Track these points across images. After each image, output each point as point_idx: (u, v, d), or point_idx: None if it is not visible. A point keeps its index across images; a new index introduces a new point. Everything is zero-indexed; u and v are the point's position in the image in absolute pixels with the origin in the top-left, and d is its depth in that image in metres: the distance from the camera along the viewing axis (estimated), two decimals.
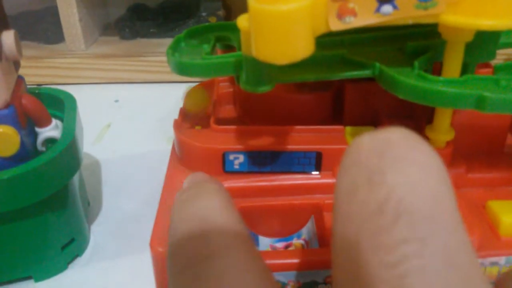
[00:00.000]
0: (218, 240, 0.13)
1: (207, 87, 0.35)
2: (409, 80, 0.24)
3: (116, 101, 0.48)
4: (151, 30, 0.57)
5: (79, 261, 0.31)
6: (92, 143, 0.42)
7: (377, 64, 0.26)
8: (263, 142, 0.29)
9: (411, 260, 0.09)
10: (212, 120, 0.30)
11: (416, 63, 0.25)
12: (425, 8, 0.23)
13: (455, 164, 0.28)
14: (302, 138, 0.29)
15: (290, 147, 0.28)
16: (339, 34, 0.29)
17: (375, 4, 0.23)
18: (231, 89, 0.35)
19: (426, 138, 0.28)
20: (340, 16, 0.22)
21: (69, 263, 0.31)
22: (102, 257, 0.31)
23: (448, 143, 0.28)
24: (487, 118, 0.29)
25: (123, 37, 0.57)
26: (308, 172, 0.29)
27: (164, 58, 0.30)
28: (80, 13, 0.52)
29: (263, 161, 0.28)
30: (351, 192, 0.11)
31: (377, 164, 0.11)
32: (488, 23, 0.22)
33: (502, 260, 0.24)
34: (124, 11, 0.59)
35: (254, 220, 0.29)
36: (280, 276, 0.25)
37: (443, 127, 0.27)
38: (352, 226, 0.10)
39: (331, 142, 0.29)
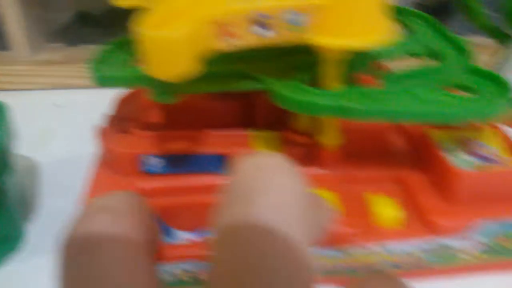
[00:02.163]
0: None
1: (137, 94, 0.39)
2: (287, 92, 0.28)
3: (58, 106, 0.51)
4: (97, 37, 0.60)
5: (13, 258, 0.34)
6: (32, 147, 0.45)
7: (267, 79, 0.29)
8: (178, 146, 0.32)
9: None
10: (133, 125, 0.34)
11: (298, 77, 0.29)
12: (296, 31, 0.27)
13: (344, 163, 0.32)
14: (212, 142, 0.33)
15: (201, 150, 0.32)
16: (238, 51, 0.33)
17: (253, 27, 0.26)
18: None
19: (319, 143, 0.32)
20: (223, 38, 0.26)
21: (2, 260, 0.34)
22: (36, 254, 0.34)
23: (336, 145, 0.32)
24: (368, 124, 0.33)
25: (69, 44, 0.59)
26: (218, 173, 0.32)
27: None
28: (24, 21, 0.54)
29: (178, 163, 0.32)
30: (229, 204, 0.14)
31: (250, 186, 0.14)
32: (353, 43, 0.26)
33: (377, 247, 0.29)
34: (70, 18, 0.62)
35: (171, 216, 0.32)
36: (191, 266, 0.28)
37: (331, 133, 0.31)
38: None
39: (236, 146, 0.32)
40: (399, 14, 0.42)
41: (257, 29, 0.27)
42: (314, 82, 0.30)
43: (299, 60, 0.31)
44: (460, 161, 0.30)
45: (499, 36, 0.43)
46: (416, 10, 0.42)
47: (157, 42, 0.24)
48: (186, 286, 0.30)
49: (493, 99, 0.29)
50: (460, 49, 0.35)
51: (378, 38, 0.27)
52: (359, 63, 0.32)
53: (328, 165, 0.32)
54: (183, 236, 0.32)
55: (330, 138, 0.32)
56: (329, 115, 0.28)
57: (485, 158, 0.30)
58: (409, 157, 0.33)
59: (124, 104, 0.38)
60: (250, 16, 0.26)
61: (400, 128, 0.35)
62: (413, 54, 0.37)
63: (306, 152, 0.33)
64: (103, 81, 0.32)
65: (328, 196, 0.29)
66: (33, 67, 0.55)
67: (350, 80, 0.32)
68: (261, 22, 0.26)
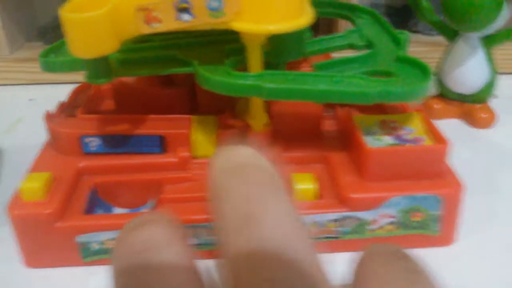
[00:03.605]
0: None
1: (88, 85, 0.41)
2: (209, 74, 0.30)
3: (31, 100, 0.54)
4: None
5: None
6: (2, 135, 0.47)
7: (195, 63, 0.31)
8: (118, 127, 0.34)
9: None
10: (79, 110, 0.36)
11: (226, 62, 0.31)
12: (216, 17, 0.29)
13: (273, 144, 0.34)
14: (149, 125, 0.35)
15: (139, 131, 0.34)
16: (177, 38, 0.36)
17: (176, 13, 0.29)
18: (109, 86, 0.41)
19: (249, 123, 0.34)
20: (147, 22, 0.28)
21: None
22: None
23: (265, 127, 0.34)
24: (302, 106, 0.35)
25: (47, 43, 0.62)
26: (155, 153, 0.34)
27: None
28: (3, 21, 0.57)
29: (116, 143, 0.34)
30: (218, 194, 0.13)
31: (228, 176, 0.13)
32: (268, 27, 0.28)
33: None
34: (49, 19, 0.65)
35: (110, 194, 0.34)
36: (113, 234, 0.30)
37: (257, 114, 0.33)
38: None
39: (174, 128, 0.34)
40: (348, 9, 0.44)
41: (179, 14, 0.29)
42: (244, 68, 0.32)
43: (229, 47, 0.33)
44: (376, 141, 0.32)
45: (447, 32, 0.44)
46: (364, 7, 0.44)
47: (76, 23, 0.26)
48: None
49: (410, 82, 0.30)
50: (396, 41, 0.37)
51: (295, 23, 0.29)
52: (293, 52, 0.34)
53: (257, 147, 0.34)
54: (120, 212, 0.34)
55: (258, 121, 0.34)
56: (246, 95, 0.30)
57: (401, 139, 0.32)
58: (336, 140, 0.35)
59: (76, 93, 0.40)
60: (173, 2, 0.28)
61: (331, 114, 0.37)
62: (353, 46, 0.39)
63: (238, 134, 0.35)
64: (47, 67, 0.34)
65: None
66: (12, 64, 0.58)
67: (283, 67, 0.34)
68: (184, 7, 0.29)
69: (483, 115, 0.44)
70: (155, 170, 0.34)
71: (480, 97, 0.44)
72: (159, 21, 0.28)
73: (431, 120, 0.33)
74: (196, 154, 0.34)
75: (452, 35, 0.44)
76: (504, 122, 0.45)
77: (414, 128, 0.33)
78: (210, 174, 0.14)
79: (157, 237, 0.13)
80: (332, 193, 0.31)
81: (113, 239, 0.31)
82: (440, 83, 0.45)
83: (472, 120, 0.45)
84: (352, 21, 0.43)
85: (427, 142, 0.32)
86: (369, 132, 0.33)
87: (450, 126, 0.45)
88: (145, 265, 0.12)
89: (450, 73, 0.44)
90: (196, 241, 0.31)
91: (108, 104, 0.41)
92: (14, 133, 0.48)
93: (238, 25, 0.28)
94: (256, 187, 0.13)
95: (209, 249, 0.31)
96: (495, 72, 0.43)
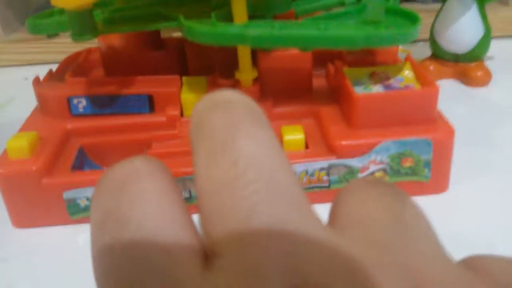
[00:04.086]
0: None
1: (77, 55, 0.41)
2: (195, 26, 0.29)
3: (26, 79, 0.54)
4: None
5: None
6: None
7: (181, 17, 0.31)
8: (103, 89, 0.34)
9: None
10: (67, 74, 0.36)
11: (212, 14, 0.31)
12: None
13: (263, 100, 0.34)
14: (137, 85, 0.34)
15: (126, 91, 0.34)
16: None
17: None
18: (98, 54, 0.41)
19: (238, 81, 0.34)
20: None
21: None
22: None
23: (254, 82, 0.34)
24: (290, 62, 0.34)
25: None
26: (143, 113, 0.34)
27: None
28: None
29: (104, 104, 0.34)
30: (210, 158, 0.12)
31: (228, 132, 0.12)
32: None
33: None
34: (44, 1, 0.65)
35: (99, 154, 0.34)
36: None
37: (245, 68, 0.33)
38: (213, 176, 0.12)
39: (162, 87, 0.34)
40: None
41: None
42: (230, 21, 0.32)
43: (215, 1, 0.33)
44: (365, 90, 0.31)
45: None
46: None
47: None
48: None
49: (396, 28, 0.30)
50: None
51: None
52: (279, 4, 0.34)
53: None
54: None
55: (246, 75, 0.33)
56: (231, 43, 0.30)
57: (390, 87, 0.31)
58: (326, 95, 0.35)
59: (66, 62, 0.40)
60: None
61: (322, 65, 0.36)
62: (343, 3, 0.38)
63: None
64: (34, 29, 0.34)
65: None
66: (6, 45, 0.58)
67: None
68: None
69: (478, 73, 0.43)
70: (143, 130, 0.34)
71: (475, 55, 0.43)
72: None
73: (420, 68, 0.32)
74: (186, 114, 0.34)
75: None
76: (499, 81, 0.44)
77: (404, 77, 0.33)
78: (192, 113, 0.13)
79: (141, 170, 0.12)
80: (321, 143, 0.31)
81: None
82: (434, 43, 0.44)
83: (467, 79, 0.44)
84: None
85: (417, 88, 0.31)
86: (358, 83, 0.32)
87: (446, 86, 0.44)
88: (123, 197, 0.12)
89: (444, 32, 0.43)
90: (185, 194, 0.31)
91: (98, 71, 0.40)
92: (9, 110, 0.48)
93: None
94: (237, 117, 0.12)
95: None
96: (488, 29, 0.43)
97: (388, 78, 0.32)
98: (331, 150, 0.30)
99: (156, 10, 0.33)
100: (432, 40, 0.44)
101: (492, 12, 0.52)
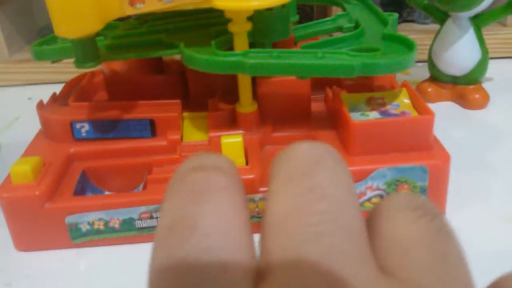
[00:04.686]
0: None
1: (81, 78, 0.42)
2: (195, 54, 0.30)
3: (29, 98, 0.55)
4: None
5: None
6: (1, 132, 0.48)
7: (181, 45, 0.32)
8: (105, 113, 0.35)
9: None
10: (71, 98, 0.36)
11: (212, 43, 0.32)
12: None
13: (262, 125, 0.34)
14: (139, 109, 0.35)
15: (128, 116, 0.34)
16: (164, 23, 0.36)
17: None
18: (101, 77, 0.41)
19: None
20: (131, 3, 0.29)
21: None
22: None
23: (253, 109, 0.34)
24: (289, 87, 0.35)
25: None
26: (145, 137, 0.35)
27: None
28: (2, 24, 0.58)
29: (106, 129, 0.35)
30: (289, 180, 0.12)
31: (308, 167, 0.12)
32: (250, 3, 0.29)
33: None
34: (49, 21, 0.66)
35: (101, 178, 0.35)
36: (102, 215, 0.31)
37: (246, 101, 0.33)
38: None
39: (164, 111, 0.35)
40: None
41: None
42: (230, 49, 0.33)
43: (216, 29, 0.34)
44: (362, 116, 0.32)
45: (437, 15, 0.44)
46: None
47: (59, 1, 0.27)
48: (101, 234, 0.31)
49: (392, 55, 0.30)
50: (384, 22, 0.37)
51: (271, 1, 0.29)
52: (278, 31, 0.35)
53: (246, 128, 0.34)
54: None
55: (246, 103, 0.34)
56: (230, 72, 0.30)
57: (387, 113, 0.32)
58: (324, 120, 0.35)
59: (70, 85, 0.41)
60: None
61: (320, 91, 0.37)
62: (341, 29, 0.39)
63: (228, 116, 0.35)
64: (39, 55, 0.35)
65: (241, 154, 0.31)
66: (11, 65, 0.59)
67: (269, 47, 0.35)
68: None
69: (475, 96, 0.44)
70: (145, 154, 0.34)
71: (472, 78, 0.44)
72: (143, 1, 0.29)
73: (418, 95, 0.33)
74: (186, 139, 0.35)
75: (442, 17, 0.44)
76: (497, 103, 0.45)
77: (400, 103, 0.33)
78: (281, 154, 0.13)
79: (216, 181, 0.12)
80: None
81: (101, 219, 0.31)
82: (432, 66, 0.45)
83: (465, 101, 0.44)
84: (342, 7, 0.43)
85: (413, 115, 0.32)
86: (355, 109, 0.33)
87: (444, 109, 0.45)
88: (198, 206, 0.12)
89: (441, 55, 0.44)
90: None
91: (101, 94, 0.41)
92: (13, 130, 0.49)
93: (220, 3, 0.29)
94: (322, 152, 0.13)
95: None
96: (486, 52, 0.43)
97: (384, 104, 0.33)
98: None
99: (157, 37, 0.34)
100: (430, 63, 0.45)
101: (492, 33, 0.53)
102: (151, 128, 0.34)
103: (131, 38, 0.34)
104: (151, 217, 0.31)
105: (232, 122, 0.35)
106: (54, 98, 0.38)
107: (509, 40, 0.54)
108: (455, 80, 0.44)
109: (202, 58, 0.30)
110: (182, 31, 0.35)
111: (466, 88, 0.44)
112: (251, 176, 0.30)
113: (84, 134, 0.35)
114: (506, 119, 0.43)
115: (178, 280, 0.10)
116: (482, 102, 0.44)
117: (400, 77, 0.51)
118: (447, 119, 0.43)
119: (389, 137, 0.30)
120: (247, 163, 0.31)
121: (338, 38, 0.35)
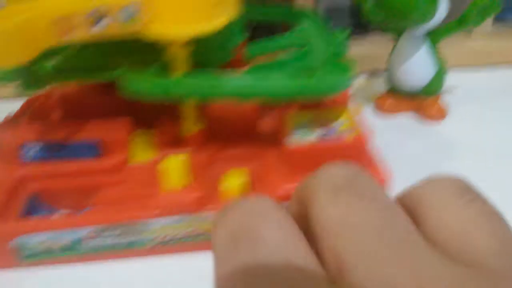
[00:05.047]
0: None
1: (37, 98, 0.42)
2: (126, 82, 0.30)
3: None
4: None
5: None
6: None
7: (120, 70, 0.32)
8: (54, 134, 0.35)
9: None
10: (23, 120, 0.37)
11: (152, 67, 0.32)
12: (131, 24, 0.29)
13: (208, 144, 0.35)
14: (87, 130, 0.35)
15: (76, 137, 0.35)
16: (112, 45, 0.36)
17: (90, 22, 0.29)
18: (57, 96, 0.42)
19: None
20: (62, 32, 0.29)
21: None
22: None
23: (199, 129, 0.35)
24: (237, 107, 0.35)
25: None
26: (92, 158, 0.35)
27: None
28: None
29: (55, 150, 0.35)
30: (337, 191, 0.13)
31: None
32: (182, 31, 0.29)
33: None
34: None
35: (54, 198, 0.35)
36: (49, 235, 0.31)
37: (189, 124, 0.34)
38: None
39: (111, 132, 0.35)
40: (291, 13, 0.45)
41: (94, 23, 0.30)
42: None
43: (156, 54, 0.34)
44: (303, 137, 0.32)
45: (392, 30, 0.45)
46: (306, 11, 0.44)
47: None
48: (49, 254, 0.32)
49: (324, 77, 0.31)
50: (332, 42, 0.37)
51: (209, 25, 0.30)
52: (220, 54, 0.35)
53: (193, 147, 0.34)
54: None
55: (191, 124, 0.34)
56: (158, 99, 0.31)
57: (326, 134, 0.32)
58: (272, 139, 0.35)
59: (26, 105, 0.41)
60: (87, 12, 0.29)
61: (268, 111, 0.37)
62: (291, 46, 0.40)
63: (175, 136, 0.35)
64: None
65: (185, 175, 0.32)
66: None
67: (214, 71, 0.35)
68: (98, 16, 0.29)
69: (433, 108, 0.44)
70: (91, 175, 0.35)
71: (430, 91, 0.44)
72: (74, 31, 0.29)
73: (360, 113, 0.33)
74: (134, 159, 0.35)
75: (398, 32, 0.44)
76: (455, 115, 0.45)
77: (344, 122, 0.33)
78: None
79: (263, 206, 0.13)
80: (260, 188, 0.32)
81: (48, 240, 0.31)
82: (390, 79, 0.45)
83: (423, 113, 0.45)
84: (295, 24, 0.43)
85: (353, 135, 0.32)
86: (299, 128, 0.33)
87: (402, 120, 0.45)
88: (257, 219, 0.12)
89: (397, 69, 0.44)
90: (130, 239, 0.31)
91: (57, 113, 0.41)
92: None
93: (153, 31, 0.29)
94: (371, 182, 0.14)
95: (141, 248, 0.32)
96: (442, 66, 0.43)
97: (328, 123, 0.33)
98: (272, 196, 0.31)
99: (103, 61, 0.34)
100: (388, 75, 0.45)
101: (457, 43, 0.53)
102: (98, 149, 0.35)
103: (76, 61, 0.35)
104: (98, 237, 0.31)
105: (179, 142, 0.35)
106: (7, 119, 0.38)
107: (474, 50, 0.54)
108: (413, 93, 0.45)
109: (132, 86, 0.30)
110: (128, 53, 0.35)
111: (424, 100, 0.45)
112: (194, 195, 0.31)
113: (33, 156, 0.35)
114: (463, 132, 0.43)
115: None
116: (439, 115, 0.44)
117: (364, 89, 0.51)
118: (404, 131, 0.44)
119: (325, 159, 0.30)
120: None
121: (282, 62, 0.36)
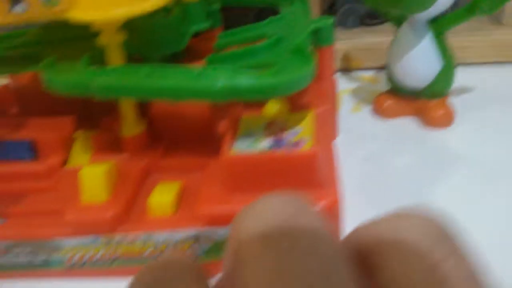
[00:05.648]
0: None
1: None
2: (46, 74, 0.26)
3: None
4: None
5: None
6: None
7: (44, 62, 0.28)
8: None
9: None
10: None
11: (83, 58, 0.28)
12: (51, 7, 0.25)
13: (152, 149, 0.30)
14: (23, 128, 0.32)
15: (8, 136, 0.31)
16: (47, 34, 0.32)
17: (8, 5, 0.26)
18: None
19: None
20: None
21: None
22: None
23: (141, 130, 0.30)
24: (187, 106, 0.30)
25: None
26: (26, 159, 0.31)
27: None
28: None
29: None
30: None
31: None
32: (106, 13, 0.25)
33: (142, 235, 0.26)
34: None
35: None
36: None
37: (129, 123, 0.29)
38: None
39: (46, 131, 0.31)
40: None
41: (12, 6, 0.26)
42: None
43: (88, 43, 0.30)
44: (250, 144, 0.27)
45: (392, 17, 0.38)
46: None
47: None
48: None
49: (282, 72, 0.25)
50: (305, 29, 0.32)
51: (137, 7, 0.25)
52: (168, 44, 0.30)
53: (132, 152, 0.30)
54: None
55: (131, 125, 0.30)
56: (75, 93, 0.26)
57: (279, 142, 0.27)
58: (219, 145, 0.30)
59: None
60: None
61: (224, 113, 0.32)
62: (264, 36, 0.34)
63: (114, 138, 0.31)
64: None
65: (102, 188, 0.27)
66: None
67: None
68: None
69: (437, 113, 0.37)
70: (23, 179, 0.31)
71: (435, 91, 0.37)
72: None
73: (332, 117, 0.28)
74: (71, 162, 0.31)
75: (398, 20, 0.37)
76: (462, 122, 0.38)
77: (301, 129, 0.28)
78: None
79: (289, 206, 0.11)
80: (189, 206, 0.27)
81: None
82: (390, 76, 0.39)
83: (426, 118, 0.38)
84: (280, 9, 0.38)
85: (307, 145, 0.26)
86: (249, 135, 0.28)
87: (401, 126, 0.39)
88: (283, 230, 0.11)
89: (397, 64, 0.37)
90: (41, 258, 0.27)
91: (13, 109, 0.38)
92: None
93: (73, 14, 0.25)
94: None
95: (53, 268, 0.27)
96: (450, 61, 0.37)
97: (283, 130, 0.28)
98: (197, 217, 0.26)
99: (34, 51, 0.30)
100: (388, 72, 0.39)
101: (482, 34, 0.46)
102: (31, 150, 0.31)
103: (5, 51, 0.31)
104: (8, 253, 0.28)
105: (118, 145, 0.31)
106: None
107: (505, 42, 0.46)
108: (416, 93, 0.38)
109: (50, 78, 0.26)
110: (60, 43, 0.31)
111: (428, 102, 0.38)
112: (108, 214, 0.26)
113: None
114: (471, 142, 0.36)
115: None
116: (445, 120, 0.37)
117: (368, 86, 0.45)
118: (401, 138, 0.37)
119: (268, 174, 0.25)
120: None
121: (248, 50, 0.31)
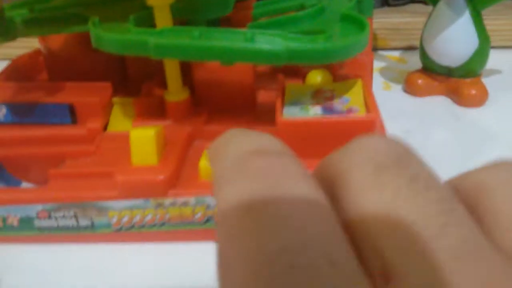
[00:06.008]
0: None
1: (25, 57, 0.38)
2: (100, 32, 0.26)
3: None
4: None
5: None
6: None
7: (92, 20, 0.27)
8: (25, 96, 0.31)
9: None
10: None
11: (130, 18, 0.27)
12: None
13: (196, 117, 0.30)
14: (61, 92, 0.31)
15: (47, 99, 0.31)
16: None
17: None
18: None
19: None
20: None
21: None
22: None
23: (185, 96, 0.30)
24: (230, 74, 0.30)
25: None
26: (65, 124, 0.31)
27: None
28: None
29: (24, 112, 0.31)
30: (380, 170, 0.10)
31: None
32: None
33: (191, 199, 0.26)
34: None
35: (18, 168, 0.31)
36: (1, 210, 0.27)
37: (174, 88, 0.29)
38: None
39: (86, 96, 0.31)
40: None
41: None
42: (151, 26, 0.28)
43: (139, 3, 0.29)
44: (301, 111, 0.27)
45: None
46: None
47: None
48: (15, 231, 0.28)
49: (334, 38, 0.25)
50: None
51: None
52: (212, 8, 0.30)
53: (175, 119, 0.30)
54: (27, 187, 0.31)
55: (175, 91, 0.29)
56: (133, 52, 0.26)
57: (330, 109, 0.27)
58: (269, 113, 0.30)
59: (14, 64, 0.37)
60: None
61: (265, 82, 0.32)
62: (303, 6, 0.34)
63: (157, 104, 0.30)
64: None
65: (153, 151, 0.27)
66: None
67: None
68: None
69: (471, 91, 0.37)
70: (61, 143, 0.30)
71: (469, 70, 0.37)
72: None
73: (372, 90, 0.28)
74: (111, 128, 0.31)
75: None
76: (497, 101, 0.38)
77: (351, 98, 0.28)
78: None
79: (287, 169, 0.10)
80: None
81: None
82: (423, 55, 0.39)
83: (459, 97, 0.38)
84: None
85: (359, 113, 0.26)
86: (297, 102, 0.28)
87: (433, 104, 0.39)
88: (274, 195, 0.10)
89: (433, 42, 0.37)
90: (86, 222, 0.27)
91: (43, 74, 0.37)
92: None
93: None
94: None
95: (102, 232, 0.27)
96: (485, 40, 0.37)
97: (332, 98, 0.28)
98: None
99: (76, 11, 0.30)
100: (422, 51, 0.39)
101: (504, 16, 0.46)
102: (70, 114, 0.31)
103: (48, 13, 0.30)
104: (49, 217, 0.27)
105: (161, 111, 0.30)
106: None
107: None
108: (449, 72, 0.38)
109: (104, 36, 0.26)
110: (102, 4, 0.31)
111: (461, 81, 0.38)
112: (160, 177, 0.26)
113: (1, 118, 0.31)
114: (505, 122, 0.36)
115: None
116: (479, 99, 0.37)
117: (396, 66, 0.45)
118: (434, 117, 0.37)
119: (324, 139, 0.25)
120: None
121: (292, 17, 0.30)
